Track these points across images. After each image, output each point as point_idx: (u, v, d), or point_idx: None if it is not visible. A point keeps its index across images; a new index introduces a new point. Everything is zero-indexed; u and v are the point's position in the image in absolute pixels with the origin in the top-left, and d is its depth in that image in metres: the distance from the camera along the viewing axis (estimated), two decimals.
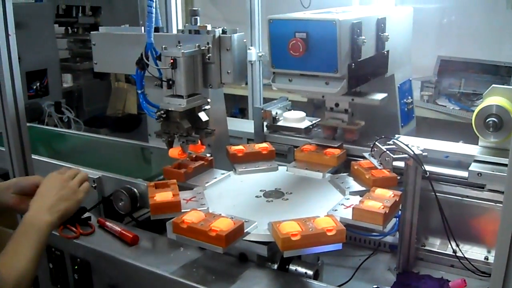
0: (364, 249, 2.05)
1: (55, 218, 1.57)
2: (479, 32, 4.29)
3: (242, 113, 5.33)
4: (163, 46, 1.89)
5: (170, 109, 1.92)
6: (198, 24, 2.02)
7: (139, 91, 2.05)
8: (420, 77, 4.35)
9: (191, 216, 1.56)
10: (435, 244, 1.97)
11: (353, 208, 1.60)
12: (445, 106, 4.22)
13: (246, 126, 2.57)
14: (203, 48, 1.96)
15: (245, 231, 1.55)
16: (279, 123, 2.36)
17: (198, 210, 1.63)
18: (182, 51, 1.86)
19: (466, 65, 4.29)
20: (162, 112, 1.93)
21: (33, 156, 2.12)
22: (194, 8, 2.01)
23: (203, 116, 2.02)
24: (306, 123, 2.29)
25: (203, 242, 1.50)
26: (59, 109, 4.52)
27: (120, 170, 2.21)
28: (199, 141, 2.03)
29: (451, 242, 1.84)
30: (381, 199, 1.64)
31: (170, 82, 1.89)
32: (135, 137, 2.75)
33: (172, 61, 1.85)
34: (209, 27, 1.99)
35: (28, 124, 3.10)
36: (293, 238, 1.44)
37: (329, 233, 1.47)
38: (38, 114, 3.92)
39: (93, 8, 5.28)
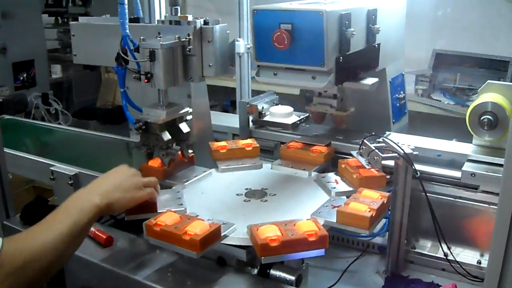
0: (352, 250, 1.98)
1: (104, 203, 1.46)
2: (475, 25, 4.21)
3: (234, 106, 5.25)
4: (141, 38, 1.79)
5: (149, 120, 1.84)
6: (179, 14, 1.92)
7: (122, 90, 1.93)
8: (415, 70, 4.28)
9: (166, 218, 1.47)
10: (426, 247, 1.89)
11: (337, 211, 1.51)
12: (440, 101, 4.15)
13: (231, 120, 2.48)
14: (184, 39, 1.86)
15: (222, 234, 1.46)
16: (266, 118, 2.26)
17: (173, 211, 1.54)
18: (161, 42, 1.76)
19: (461, 58, 4.21)
20: (141, 123, 1.84)
21: (7, 150, 2.05)
22: None
23: (184, 127, 1.93)
24: (293, 119, 2.20)
25: (177, 246, 1.42)
26: (47, 100, 4.44)
27: (100, 166, 2.11)
28: (180, 154, 1.95)
29: (442, 245, 1.77)
30: (368, 201, 1.56)
31: (149, 75, 1.78)
32: (125, 129, 2.66)
33: (150, 53, 1.75)
34: (190, 18, 1.89)
35: (7, 117, 3.06)
36: (272, 244, 1.36)
37: (310, 239, 1.38)
38: (23, 106, 3.83)
39: None
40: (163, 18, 1.99)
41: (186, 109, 1.93)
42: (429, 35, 4.42)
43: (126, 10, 1.85)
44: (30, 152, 2.29)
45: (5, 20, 3.94)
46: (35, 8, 4.55)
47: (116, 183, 1.53)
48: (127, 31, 1.86)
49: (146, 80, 1.79)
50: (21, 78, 4.43)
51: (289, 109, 2.24)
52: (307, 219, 1.48)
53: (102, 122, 4.99)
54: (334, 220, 1.52)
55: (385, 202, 1.58)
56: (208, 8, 5.71)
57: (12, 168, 2.26)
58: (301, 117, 2.22)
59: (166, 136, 1.86)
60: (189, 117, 1.95)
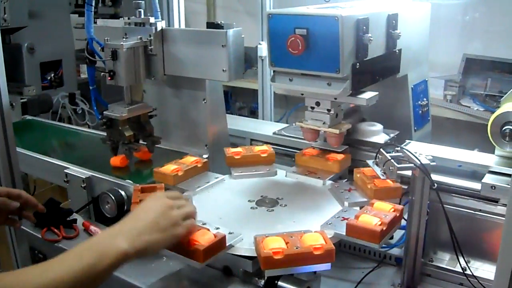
0: (369, 261, 1.92)
1: (133, 249, 1.20)
2: (507, 30, 4.08)
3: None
4: (106, 38, 1.93)
5: (112, 117, 1.98)
6: (142, 16, 2.04)
7: (91, 87, 2.13)
8: (444, 75, 4.18)
9: None
10: (444, 260, 1.82)
11: (346, 223, 1.47)
12: (469, 107, 4.04)
13: (250, 125, 2.44)
14: (145, 40, 2.01)
15: (228, 244, 1.43)
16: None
17: None
18: (122, 43, 1.90)
19: (492, 64, 4.09)
20: (106, 120, 1.99)
21: (23, 151, 2.06)
22: (138, 1, 2.03)
23: (147, 124, 2.08)
24: (383, 137, 2.10)
25: (180, 255, 1.38)
26: (73, 100, 4.45)
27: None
28: (146, 148, 2.11)
29: (460, 259, 1.70)
30: (379, 213, 1.51)
31: (111, 73, 1.92)
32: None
33: (112, 52, 1.90)
34: (152, 20, 2.02)
35: (28, 117, 3.08)
36: (276, 257, 1.32)
37: (316, 252, 1.34)
38: (48, 106, 3.85)
39: None
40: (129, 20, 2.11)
41: (150, 107, 2.09)
42: (460, 40, 4.31)
43: (92, 14, 2.06)
44: (47, 153, 2.28)
45: (33, 20, 3.95)
46: (63, 8, 4.55)
47: (151, 222, 1.27)
48: (92, 34, 2.06)
49: (109, 78, 1.93)
50: (49, 78, 4.44)
51: (379, 126, 2.17)
52: (315, 231, 1.44)
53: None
54: (344, 233, 1.48)
55: (397, 215, 1.53)
56: (237, 9, 5.70)
57: (27, 169, 2.28)
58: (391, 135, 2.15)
59: (128, 131, 2.01)
60: (154, 113, 2.10)
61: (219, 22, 1.88)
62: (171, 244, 1.33)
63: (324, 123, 1.87)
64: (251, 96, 5.13)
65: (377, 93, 1.82)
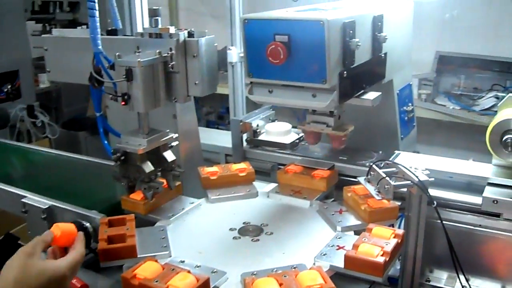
0: (359, 281, 1.77)
1: None
2: (479, 26, 4.01)
3: (229, 112, 5.06)
4: (117, 54, 1.57)
5: (128, 150, 1.62)
6: (160, 26, 1.70)
7: (98, 114, 1.72)
8: (418, 74, 4.08)
9: (145, 270, 1.26)
10: (442, 279, 1.72)
11: (345, 255, 1.31)
12: (445, 106, 3.95)
13: (224, 139, 2.26)
14: (165, 55, 1.66)
15: (212, 286, 1.25)
16: (261, 137, 2.06)
17: (154, 259, 1.32)
18: (139, 59, 1.54)
19: (466, 60, 4.03)
20: (119, 154, 1.63)
21: None
22: (154, 8, 1.69)
23: (168, 155, 1.72)
24: (291, 137, 2.00)
25: None
26: (32, 113, 4.24)
27: (82, 195, 1.94)
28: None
29: (460, 277, 1.59)
30: (380, 241, 1.35)
31: (126, 97, 1.57)
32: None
33: (126, 71, 1.54)
34: (172, 30, 1.68)
35: None
36: None
37: None
38: (4, 121, 3.63)
39: (71, 3, 5.03)
40: (142, 30, 1.77)
41: (171, 135, 1.72)
42: (432, 37, 4.22)
43: (98, 24, 1.62)
44: (3, 179, 2.05)
45: None
46: (19, 15, 4.35)
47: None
48: (100, 47, 1.64)
49: (123, 102, 1.58)
50: (5, 90, 4.22)
51: (287, 126, 2.04)
52: (310, 268, 1.27)
53: (92, 132, 4.77)
54: (341, 265, 1.32)
55: (399, 242, 1.38)
56: (200, 12, 5.54)
57: None
58: (300, 135, 2.02)
59: (148, 167, 1.65)
60: (174, 143, 1.74)
61: (189, 30, 1.67)
62: None
63: (327, 125, 1.78)
64: (219, 101, 4.98)
65: (380, 93, 1.71)
